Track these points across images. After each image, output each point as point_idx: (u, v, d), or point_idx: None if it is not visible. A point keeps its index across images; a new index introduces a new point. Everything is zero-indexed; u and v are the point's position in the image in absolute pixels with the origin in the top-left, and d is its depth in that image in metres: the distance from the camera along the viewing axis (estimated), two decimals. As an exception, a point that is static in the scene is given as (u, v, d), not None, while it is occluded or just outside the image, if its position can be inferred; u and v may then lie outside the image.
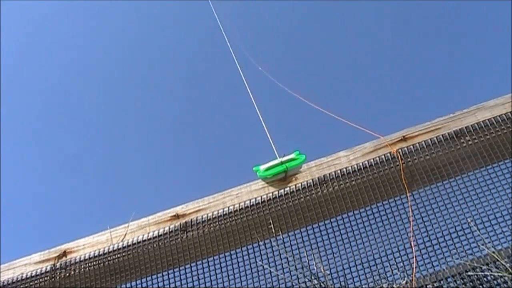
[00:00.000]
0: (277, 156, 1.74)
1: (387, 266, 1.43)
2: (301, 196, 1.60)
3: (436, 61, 5.24)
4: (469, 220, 1.42)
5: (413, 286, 1.34)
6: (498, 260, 1.33)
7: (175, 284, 1.61)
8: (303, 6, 5.51)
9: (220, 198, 1.70)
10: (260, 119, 2.03)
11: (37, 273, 1.73)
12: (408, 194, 1.49)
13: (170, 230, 1.66)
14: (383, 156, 1.60)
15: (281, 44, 5.77)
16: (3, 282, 1.75)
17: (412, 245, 1.41)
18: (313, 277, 1.46)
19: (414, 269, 1.37)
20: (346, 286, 1.43)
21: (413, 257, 1.42)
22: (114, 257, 1.67)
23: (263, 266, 1.53)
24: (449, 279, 1.37)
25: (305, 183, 1.62)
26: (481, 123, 1.55)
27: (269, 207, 1.61)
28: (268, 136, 1.91)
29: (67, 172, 5.35)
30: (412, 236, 1.42)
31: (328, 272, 1.46)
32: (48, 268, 1.73)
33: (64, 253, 1.76)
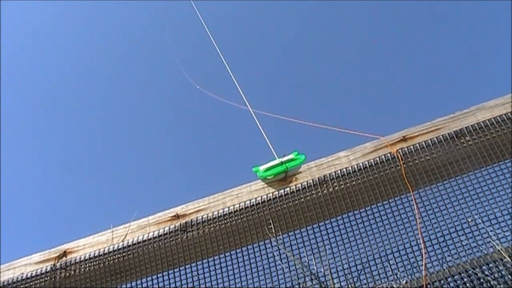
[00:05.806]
0: (276, 156, 1.74)
1: (387, 266, 1.44)
2: (301, 196, 1.60)
3: (436, 61, 5.25)
4: (469, 220, 1.42)
5: (424, 283, 1.34)
6: (498, 260, 1.33)
7: (175, 284, 1.61)
8: (304, 4, 5.51)
9: (220, 198, 1.70)
10: (256, 121, 2.03)
11: (37, 273, 1.73)
12: (413, 193, 1.49)
13: (170, 230, 1.66)
14: (383, 156, 1.59)
15: (280, 44, 5.77)
16: (3, 282, 1.75)
17: (423, 240, 1.41)
18: (313, 277, 1.46)
19: (424, 265, 1.37)
20: (347, 286, 1.43)
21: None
22: (114, 257, 1.67)
23: (263, 266, 1.53)
24: (449, 279, 1.37)
25: (305, 183, 1.62)
26: (481, 123, 1.55)
27: (269, 207, 1.61)
28: (265, 137, 1.91)
29: (68, 172, 5.36)
30: (422, 231, 1.42)
31: (328, 272, 1.46)
32: (48, 268, 1.73)
33: (64, 253, 1.76)
